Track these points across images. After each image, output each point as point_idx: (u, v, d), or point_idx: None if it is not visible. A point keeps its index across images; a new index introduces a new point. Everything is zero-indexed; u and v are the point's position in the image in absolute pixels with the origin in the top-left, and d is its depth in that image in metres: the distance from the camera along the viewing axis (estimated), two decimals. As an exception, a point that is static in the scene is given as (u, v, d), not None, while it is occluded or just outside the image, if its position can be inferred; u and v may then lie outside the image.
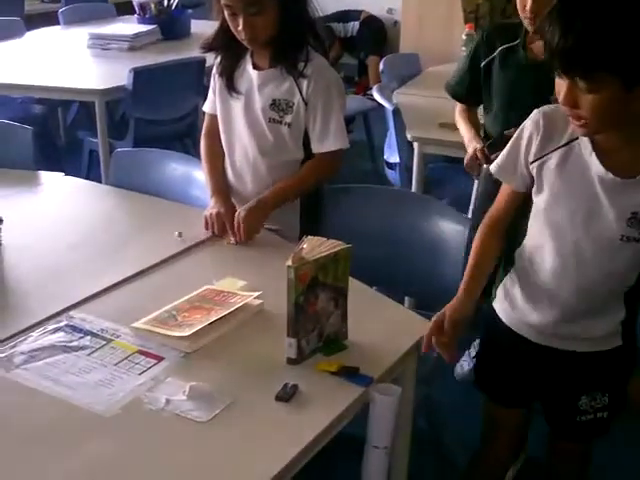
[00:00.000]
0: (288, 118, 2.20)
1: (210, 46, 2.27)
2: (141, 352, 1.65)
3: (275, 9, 2.08)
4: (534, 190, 1.65)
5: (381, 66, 3.93)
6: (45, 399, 1.51)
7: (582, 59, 1.39)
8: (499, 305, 1.79)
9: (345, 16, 6.74)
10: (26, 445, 1.40)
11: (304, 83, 2.17)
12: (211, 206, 2.24)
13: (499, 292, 1.80)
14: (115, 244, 2.17)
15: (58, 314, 1.78)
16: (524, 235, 1.72)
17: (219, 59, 2.29)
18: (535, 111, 1.64)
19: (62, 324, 1.74)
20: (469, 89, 2.62)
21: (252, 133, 2.25)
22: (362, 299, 1.79)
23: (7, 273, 2.02)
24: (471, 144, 2.54)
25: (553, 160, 1.60)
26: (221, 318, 1.73)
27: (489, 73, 2.50)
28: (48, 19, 5.39)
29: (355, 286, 1.75)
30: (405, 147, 3.19)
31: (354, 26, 6.71)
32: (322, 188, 2.38)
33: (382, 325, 1.77)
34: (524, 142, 1.64)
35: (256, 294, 1.83)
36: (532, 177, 1.64)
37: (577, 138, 1.57)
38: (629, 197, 1.54)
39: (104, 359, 1.62)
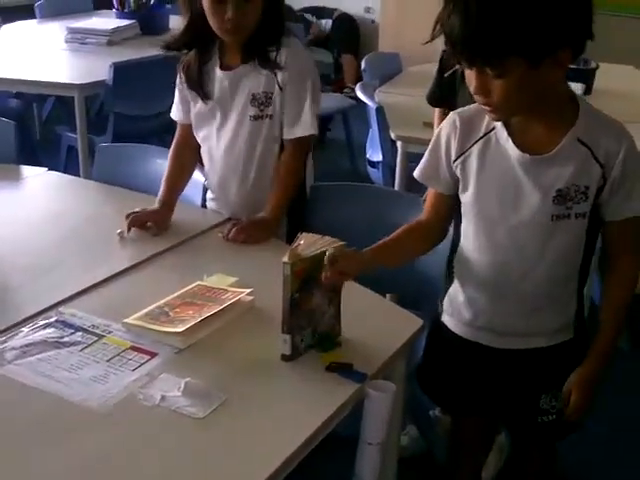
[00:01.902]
0: (269, 110, 2.16)
1: (175, 45, 2.18)
2: (134, 348, 1.63)
3: None
4: (460, 189, 1.66)
5: (362, 64, 3.94)
6: (38, 395, 1.49)
7: (483, 47, 1.41)
8: (447, 317, 1.78)
9: (320, 12, 6.75)
10: (20, 441, 1.38)
11: (279, 71, 2.13)
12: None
13: (445, 305, 1.79)
14: (102, 240, 2.15)
15: (47, 310, 1.77)
16: (457, 242, 1.72)
17: (182, 65, 2.20)
18: (450, 114, 1.68)
19: (52, 320, 1.72)
20: (441, 95, 2.66)
21: (234, 137, 2.20)
22: (354, 297, 1.79)
23: (-7, 269, 2.00)
24: None
25: (474, 154, 1.62)
26: (214, 314, 1.72)
27: (453, 82, 2.51)
28: (24, 12, 5.31)
29: (347, 284, 1.75)
30: (388, 145, 3.20)
31: (327, 23, 6.72)
32: (306, 186, 2.37)
33: (374, 323, 1.78)
34: (443, 145, 1.66)
35: (248, 291, 1.83)
36: (456, 178, 1.66)
37: (493, 129, 1.60)
38: (550, 174, 1.55)
39: (96, 355, 1.61)
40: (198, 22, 2.10)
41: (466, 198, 1.66)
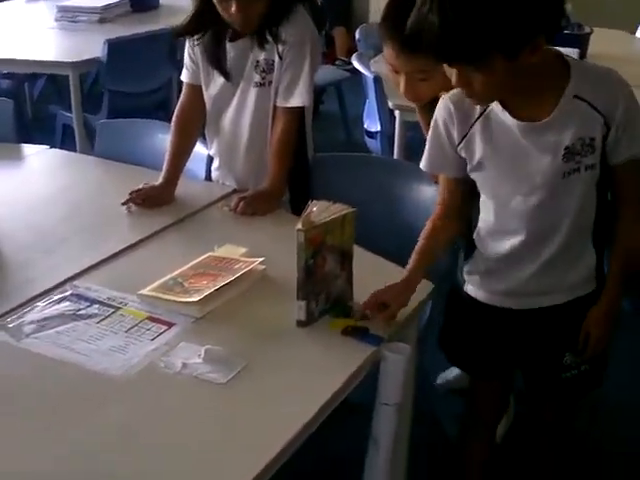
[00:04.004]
0: (270, 77, 2.18)
1: (185, 31, 2.19)
2: (151, 319, 1.65)
3: None
4: (469, 169, 1.69)
5: (357, 35, 3.93)
6: (59, 366, 1.51)
7: (461, 47, 1.43)
8: (470, 287, 1.80)
9: (311, -15, 6.69)
10: (45, 413, 1.40)
11: (281, 42, 2.14)
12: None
13: (466, 276, 1.81)
14: (109, 214, 2.16)
15: (61, 284, 1.78)
16: (476, 218, 1.74)
17: (195, 42, 2.21)
18: (440, 101, 1.69)
19: (67, 293, 1.74)
20: None
21: (241, 104, 2.22)
22: (364, 263, 1.81)
23: (2, 246, 2.00)
24: None
25: (476, 134, 1.64)
26: (228, 283, 1.74)
27: None
28: (11, -7, 5.26)
29: (357, 251, 1.77)
30: (386, 115, 3.21)
31: None
32: (308, 157, 2.38)
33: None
34: (442, 132, 1.68)
35: (259, 260, 1.84)
36: (463, 159, 1.68)
37: (488, 106, 1.62)
38: (554, 136, 1.58)
39: (114, 326, 1.63)
40: (206, 7, 2.10)
41: (478, 176, 1.69)
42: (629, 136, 1.60)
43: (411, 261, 1.74)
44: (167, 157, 2.28)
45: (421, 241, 1.76)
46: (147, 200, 2.18)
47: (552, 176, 1.60)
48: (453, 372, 2.53)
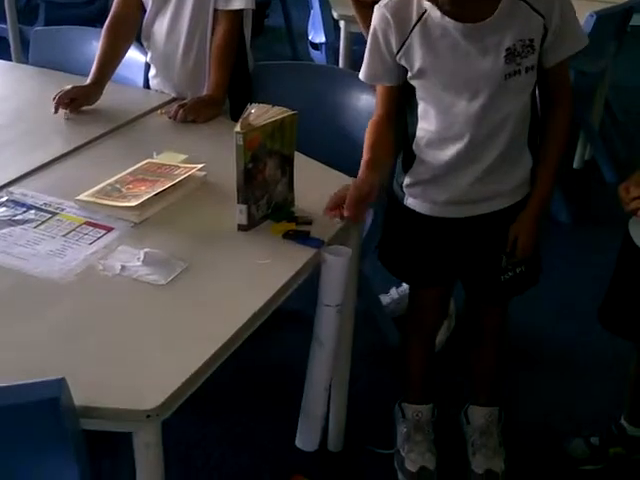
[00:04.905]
0: None
1: None
2: (89, 223, 1.63)
3: None
4: (410, 76, 1.68)
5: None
6: (-3, 271, 1.49)
7: None
8: (410, 200, 1.80)
9: None
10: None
11: None
12: None
13: (405, 188, 1.80)
14: (45, 122, 2.11)
15: (-3, 190, 1.75)
16: (414, 128, 1.74)
17: None
18: (375, 9, 1.67)
19: (3, 199, 1.71)
20: None
21: (177, 12, 2.16)
22: (305, 170, 1.80)
23: None
24: None
25: (415, 40, 1.63)
26: (167, 189, 1.72)
27: None
28: None
29: (298, 157, 1.76)
30: (330, 26, 3.16)
31: None
32: (248, 66, 2.34)
33: (328, 192, 1.78)
34: (381, 41, 1.67)
35: (199, 166, 1.83)
36: (403, 68, 1.68)
37: (425, 11, 1.61)
38: (496, 36, 1.59)
39: (51, 231, 1.60)
40: None
41: (418, 83, 1.68)
42: (566, 36, 1.61)
43: (365, 154, 1.70)
44: (96, 60, 2.23)
45: (369, 138, 1.73)
46: (74, 101, 2.12)
47: (494, 78, 1.60)
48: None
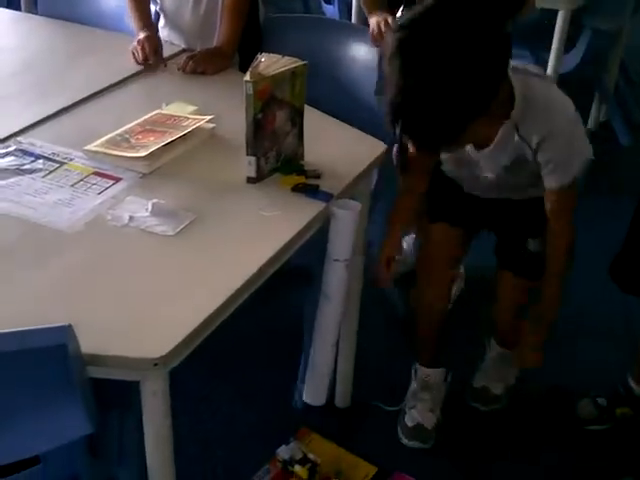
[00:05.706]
0: None
1: None
2: (97, 174, 1.62)
3: None
4: None
5: None
6: (4, 219, 1.48)
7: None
8: None
9: None
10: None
11: None
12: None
13: None
14: (56, 72, 2.09)
15: (5, 139, 1.73)
16: None
17: None
18: None
19: (11, 149, 1.69)
20: None
21: None
22: (315, 122, 1.78)
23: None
24: (372, 17, 2.21)
25: None
26: (175, 140, 1.71)
27: None
28: None
29: (307, 110, 1.74)
30: (343, -21, 3.11)
31: None
32: (259, 19, 2.31)
33: (337, 146, 1.78)
34: None
35: (208, 118, 1.80)
36: None
37: None
38: (495, 159, 1.65)
39: (60, 180, 1.59)
40: None
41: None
42: (549, 171, 1.62)
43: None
44: (133, 11, 2.18)
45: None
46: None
47: (501, 170, 1.68)
48: None
